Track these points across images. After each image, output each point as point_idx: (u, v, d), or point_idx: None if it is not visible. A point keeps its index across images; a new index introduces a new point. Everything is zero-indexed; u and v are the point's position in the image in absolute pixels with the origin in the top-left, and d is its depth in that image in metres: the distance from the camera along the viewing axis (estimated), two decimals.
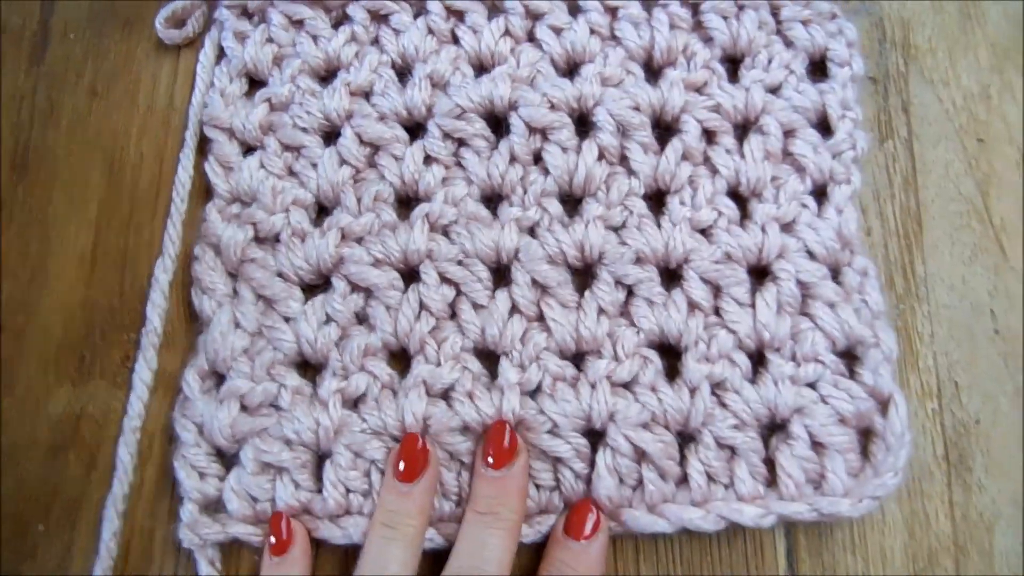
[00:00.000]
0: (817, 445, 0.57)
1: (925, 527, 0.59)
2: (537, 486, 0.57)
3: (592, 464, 0.58)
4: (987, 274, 0.64)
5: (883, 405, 0.58)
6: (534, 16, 0.69)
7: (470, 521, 0.55)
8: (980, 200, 0.66)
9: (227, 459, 0.59)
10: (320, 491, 0.57)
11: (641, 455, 0.57)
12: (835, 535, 0.58)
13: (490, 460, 0.55)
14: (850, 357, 0.60)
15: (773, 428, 0.59)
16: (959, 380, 0.62)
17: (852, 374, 0.60)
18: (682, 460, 0.58)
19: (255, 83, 0.69)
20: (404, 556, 0.53)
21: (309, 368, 0.61)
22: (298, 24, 0.70)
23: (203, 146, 0.67)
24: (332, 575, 0.57)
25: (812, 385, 0.59)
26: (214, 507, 0.57)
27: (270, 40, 0.69)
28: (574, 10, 0.69)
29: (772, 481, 0.57)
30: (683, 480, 0.58)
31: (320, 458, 0.58)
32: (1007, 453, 0.60)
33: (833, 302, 0.61)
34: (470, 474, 0.57)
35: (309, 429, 0.57)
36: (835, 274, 0.62)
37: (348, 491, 0.56)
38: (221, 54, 0.70)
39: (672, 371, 0.60)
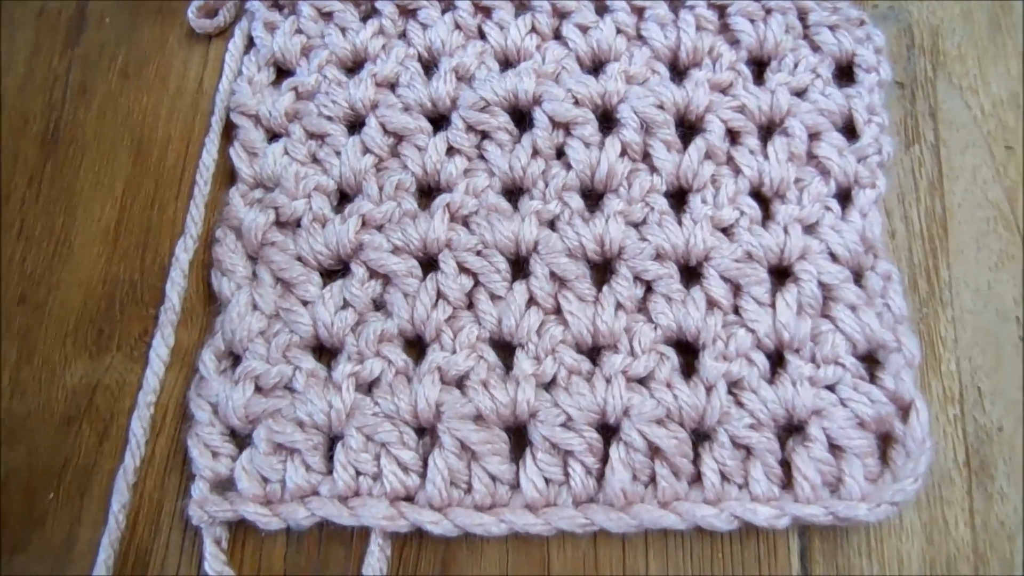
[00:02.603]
0: (835, 448, 0.57)
1: (944, 534, 0.57)
2: (547, 480, 0.57)
3: (603, 460, 0.57)
4: (1013, 281, 0.63)
5: (904, 410, 0.57)
6: (561, 14, 0.70)
7: None
8: (1007, 207, 0.65)
9: (240, 439, 0.59)
10: (331, 473, 0.56)
11: (655, 451, 0.56)
12: (850, 538, 0.57)
13: None
14: (871, 361, 0.60)
15: (790, 429, 0.58)
16: (982, 386, 0.61)
17: (873, 378, 0.59)
18: (696, 458, 0.57)
19: (282, 72, 0.71)
20: None
21: (324, 352, 0.61)
22: (327, 16, 0.71)
23: (228, 131, 0.68)
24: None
25: (831, 388, 0.58)
26: (225, 486, 0.57)
27: (299, 31, 0.70)
28: (601, 9, 0.70)
29: (788, 483, 0.57)
30: (697, 478, 0.57)
31: (332, 441, 0.58)
32: None
33: (855, 305, 0.60)
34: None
35: (322, 411, 0.57)
36: (858, 277, 0.62)
37: (358, 473, 0.56)
38: (250, 44, 0.71)
39: (689, 368, 0.60)
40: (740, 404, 0.58)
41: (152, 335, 0.61)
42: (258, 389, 0.59)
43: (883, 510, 0.55)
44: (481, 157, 0.65)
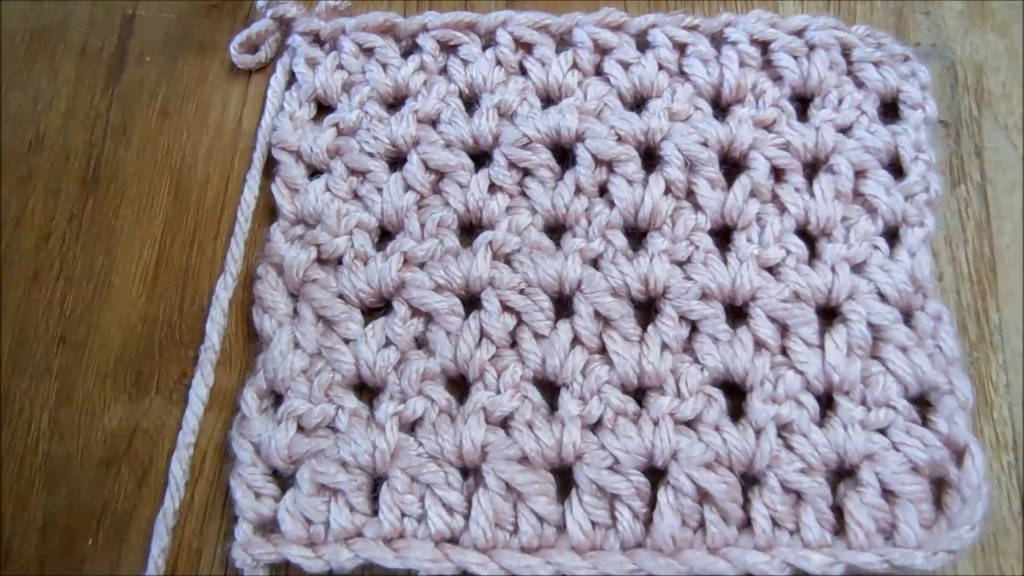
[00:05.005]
0: (888, 493, 0.55)
1: None
2: (593, 523, 0.56)
3: (651, 504, 0.56)
4: None
5: (958, 455, 0.56)
6: (602, 50, 0.69)
7: None
8: None
9: (283, 479, 0.58)
10: (375, 514, 0.55)
11: (704, 496, 0.56)
12: None
13: None
14: (923, 404, 0.59)
15: (841, 474, 0.57)
16: None
17: (925, 421, 0.58)
18: (746, 503, 0.56)
19: (323, 108, 0.71)
20: None
21: (366, 390, 0.61)
22: (368, 52, 0.71)
23: (269, 168, 0.68)
24: None
25: (883, 431, 0.57)
26: (268, 527, 0.57)
27: (340, 67, 0.70)
28: (642, 45, 0.70)
29: (840, 529, 0.55)
30: (747, 524, 0.56)
31: (376, 481, 0.57)
32: None
33: (905, 346, 0.59)
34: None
35: (366, 452, 0.56)
36: (907, 318, 0.61)
37: (403, 515, 0.55)
38: (291, 79, 0.71)
39: (736, 411, 0.59)
40: (790, 448, 0.57)
41: (191, 376, 0.61)
42: (300, 429, 0.58)
43: (940, 558, 0.53)
44: (523, 194, 0.65)
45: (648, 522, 0.56)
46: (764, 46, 0.69)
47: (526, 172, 0.65)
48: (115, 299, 0.65)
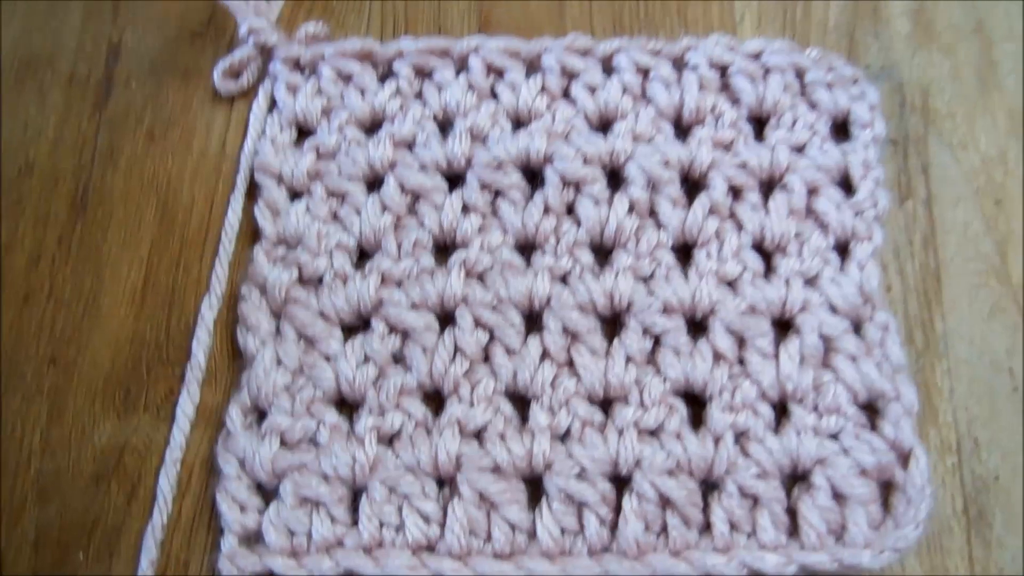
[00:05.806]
0: (838, 496, 0.59)
1: None
2: (562, 530, 0.59)
3: (616, 510, 0.59)
4: (1006, 332, 0.66)
5: (904, 458, 0.60)
6: (570, 75, 0.72)
7: None
8: (998, 260, 0.68)
9: (266, 493, 0.61)
10: (355, 524, 0.58)
11: (666, 502, 0.59)
12: None
13: None
14: (871, 410, 0.62)
15: (795, 478, 0.61)
16: (979, 436, 0.63)
17: (873, 427, 0.61)
18: (706, 507, 0.59)
19: (304, 132, 0.73)
20: None
21: (346, 406, 0.63)
22: (346, 78, 0.73)
23: (252, 191, 0.70)
24: None
25: (834, 437, 0.61)
26: (253, 539, 0.60)
27: (320, 92, 0.73)
28: (608, 70, 0.73)
29: (794, 530, 0.59)
30: (706, 527, 0.59)
31: (355, 493, 0.60)
32: None
33: (855, 355, 0.62)
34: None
35: (346, 465, 0.59)
36: (857, 328, 0.64)
37: (382, 525, 0.58)
38: (273, 104, 0.74)
39: (697, 420, 0.62)
40: (747, 454, 0.60)
41: (178, 394, 0.64)
42: (283, 443, 0.61)
43: (886, 556, 0.57)
44: (495, 214, 0.68)
45: (614, 527, 0.59)
46: (723, 69, 0.72)
47: (498, 193, 0.68)
48: (103, 320, 0.67)
